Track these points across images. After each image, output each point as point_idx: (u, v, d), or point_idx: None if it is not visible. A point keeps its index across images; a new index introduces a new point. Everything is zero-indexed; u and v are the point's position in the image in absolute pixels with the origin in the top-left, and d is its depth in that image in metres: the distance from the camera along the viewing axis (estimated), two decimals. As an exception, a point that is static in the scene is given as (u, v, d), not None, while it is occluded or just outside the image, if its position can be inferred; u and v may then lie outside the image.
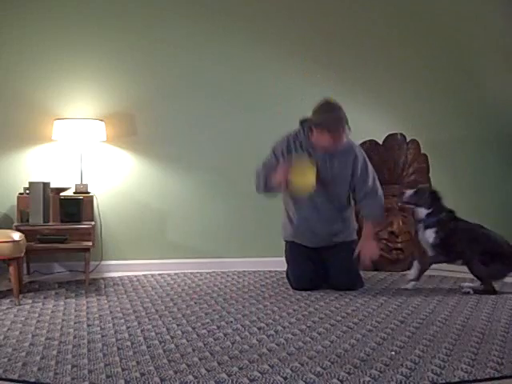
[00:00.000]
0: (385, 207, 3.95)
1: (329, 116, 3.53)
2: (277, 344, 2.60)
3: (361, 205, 3.84)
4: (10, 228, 3.94)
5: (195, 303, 3.43)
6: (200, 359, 2.37)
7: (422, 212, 3.85)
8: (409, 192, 3.92)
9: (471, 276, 3.83)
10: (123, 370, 2.24)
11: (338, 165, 3.70)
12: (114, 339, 2.66)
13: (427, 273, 4.56)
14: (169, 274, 4.44)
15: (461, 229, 3.83)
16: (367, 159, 3.84)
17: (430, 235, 3.81)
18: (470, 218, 5.43)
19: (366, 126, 5.02)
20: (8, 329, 2.85)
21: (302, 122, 3.75)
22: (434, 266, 4.81)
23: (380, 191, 3.82)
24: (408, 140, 4.88)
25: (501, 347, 2.52)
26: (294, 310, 3.26)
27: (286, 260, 3.98)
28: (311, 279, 3.84)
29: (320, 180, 3.59)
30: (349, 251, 3.78)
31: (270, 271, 4.53)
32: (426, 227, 3.82)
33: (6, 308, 3.29)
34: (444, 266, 4.84)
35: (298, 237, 3.86)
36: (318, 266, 3.86)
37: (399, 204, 4.31)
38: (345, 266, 3.77)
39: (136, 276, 4.36)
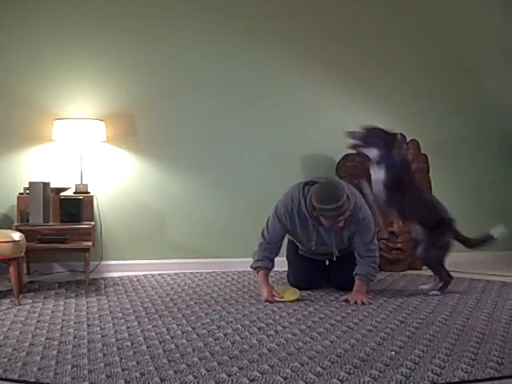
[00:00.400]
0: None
1: (328, 208, 3.30)
2: (277, 344, 2.60)
3: (356, 260, 3.64)
4: (10, 228, 3.94)
5: (195, 303, 3.43)
6: (200, 359, 2.37)
7: (375, 153, 3.77)
8: (360, 131, 3.81)
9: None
10: (123, 370, 2.24)
11: (346, 234, 3.60)
12: (113, 339, 2.66)
13: (427, 273, 4.56)
14: (169, 274, 4.44)
15: (411, 183, 3.83)
16: (371, 220, 3.61)
17: (381, 173, 3.71)
18: (469, 217, 5.45)
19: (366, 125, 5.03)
20: (8, 329, 2.85)
21: (304, 187, 3.53)
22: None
23: (376, 253, 3.62)
24: (408, 140, 4.87)
25: (501, 347, 2.52)
26: (294, 310, 3.26)
27: (287, 259, 3.98)
28: (310, 279, 3.85)
29: (326, 245, 3.62)
30: (352, 252, 3.74)
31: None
32: (379, 166, 3.73)
33: (6, 308, 3.29)
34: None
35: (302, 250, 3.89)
36: (319, 265, 3.86)
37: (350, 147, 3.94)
38: (347, 265, 3.71)
39: (136, 276, 4.36)
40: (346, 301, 3.47)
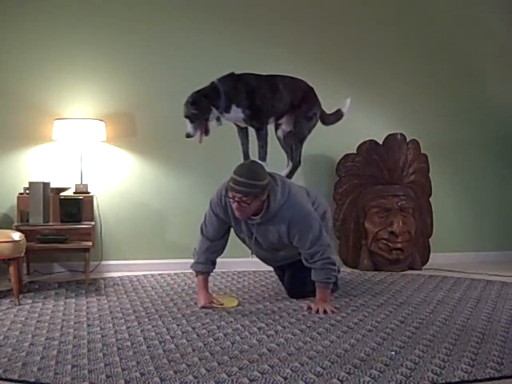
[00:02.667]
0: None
1: (237, 180, 3.04)
2: (277, 344, 2.60)
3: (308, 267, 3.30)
4: (10, 228, 3.94)
5: (195, 303, 3.42)
6: (200, 359, 2.37)
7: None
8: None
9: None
10: (123, 370, 2.24)
11: (268, 233, 3.25)
12: (114, 339, 2.66)
13: (427, 273, 4.57)
14: (169, 274, 4.44)
15: None
16: (311, 222, 3.19)
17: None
18: (469, 217, 5.46)
19: (366, 125, 5.04)
20: (8, 329, 2.85)
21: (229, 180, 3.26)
22: (432, 266, 4.84)
23: (327, 251, 3.21)
24: (408, 140, 4.88)
25: (501, 347, 2.52)
26: (294, 310, 3.26)
27: None
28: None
29: (259, 246, 3.37)
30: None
31: (270, 271, 4.52)
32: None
33: (6, 308, 3.29)
34: (444, 266, 4.86)
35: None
36: (279, 272, 3.77)
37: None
38: (301, 274, 3.43)
39: (136, 276, 4.36)
40: (310, 309, 3.23)
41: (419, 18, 5.22)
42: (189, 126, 3.61)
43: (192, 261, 3.42)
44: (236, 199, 3.08)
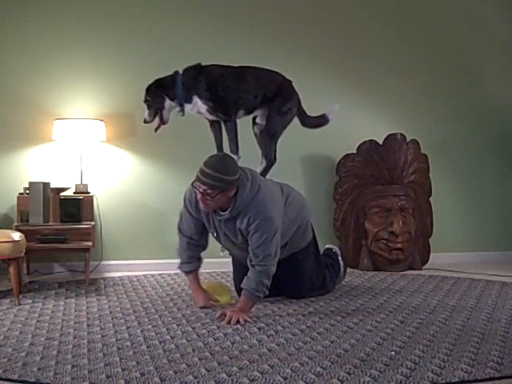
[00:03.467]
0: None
1: (205, 172, 2.94)
2: (277, 344, 2.60)
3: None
4: (10, 228, 3.94)
5: (195, 303, 3.42)
6: (200, 359, 2.37)
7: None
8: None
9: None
10: (123, 370, 2.24)
11: (236, 230, 3.11)
12: (114, 339, 2.66)
13: (427, 273, 4.57)
14: (169, 274, 4.44)
15: None
16: (271, 224, 3.04)
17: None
18: (469, 217, 5.45)
19: (366, 125, 5.04)
20: (8, 329, 2.85)
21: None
22: (432, 266, 4.84)
23: (270, 264, 3.05)
24: (408, 140, 4.88)
25: (501, 347, 2.52)
26: (294, 310, 3.26)
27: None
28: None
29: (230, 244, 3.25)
30: (304, 255, 3.46)
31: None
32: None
33: (6, 308, 3.29)
34: (444, 266, 4.86)
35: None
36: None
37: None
38: (294, 269, 3.42)
39: (136, 276, 4.36)
40: (223, 316, 2.97)
41: (419, 18, 5.22)
42: (146, 112, 3.61)
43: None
44: (201, 190, 2.97)
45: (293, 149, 4.95)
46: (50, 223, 4.14)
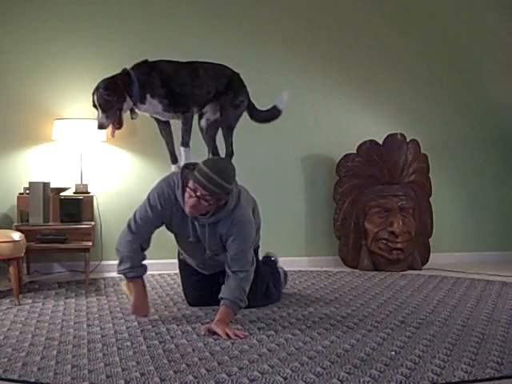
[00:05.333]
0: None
1: (206, 174, 2.78)
2: (277, 344, 2.60)
3: (226, 279, 2.95)
4: (10, 228, 3.94)
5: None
6: (200, 359, 2.37)
7: None
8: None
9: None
10: (123, 370, 2.24)
11: (218, 235, 3.00)
12: (113, 339, 2.66)
13: (427, 273, 4.57)
14: (169, 274, 4.44)
15: None
16: (250, 229, 3.01)
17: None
18: (470, 217, 5.46)
19: (366, 125, 5.04)
20: (8, 329, 2.85)
21: (184, 170, 3.01)
22: (432, 266, 4.84)
23: (250, 271, 2.96)
24: (408, 140, 4.88)
25: (501, 347, 2.52)
26: (294, 310, 3.26)
27: (179, 272, 3.55)
28: (200, 295, 3.35)
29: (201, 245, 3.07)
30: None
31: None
32: None
33: (6, 308, 3.29)
34: (444, 266, 4.86)
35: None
36: (211, 281, 3.28)
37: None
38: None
39: (136, 276, 4.36)
40: (209, 331, 2.76)
41: (419, 17, 5.21)
42: (101, 116, 3.14)
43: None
44: (197, 194, 2.78)
45: (293, 149, 4.96)
46: (50, 223, 4.13)
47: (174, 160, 3.41)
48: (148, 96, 3.23)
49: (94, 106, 3.19)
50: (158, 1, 4.78)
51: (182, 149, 3.29)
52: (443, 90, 5.25)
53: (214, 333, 2.73)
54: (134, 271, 3.00)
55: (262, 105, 5.07)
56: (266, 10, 4.94)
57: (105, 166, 4.67)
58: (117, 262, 3.01)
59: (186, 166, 3.04)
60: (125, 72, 3.25)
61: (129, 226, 3.00)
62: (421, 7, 5.23)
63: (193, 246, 3.08)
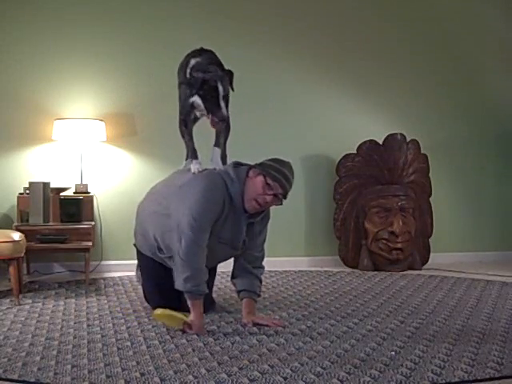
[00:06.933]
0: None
1: (287, 176, 2.84)
2: (277, 344, 2.60)
3: (241, 273, 3.02)
4: (10, 228, 3.94)
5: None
6: (200, 359, 2.37)
7: None
8: None
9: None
10: (123, 370, 2.24)
11: (253, 233, 3.01)
12: (113, 339, 2.66)
13: (427, 273, 4.57)
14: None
15: None
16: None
17: None
18: (469, 217, 5.45)
19: (366, 125, 5.04)
20: (8, 329, 2.85)
21: (236, 166, 2.97)
22: (432, 266, 4.84)
23: (264, 271, 3.11)
24: (408, 140, 4.88)
25: (501, 347, 2.52)
26: (294, 310, 3.26)
27: (142, 274, 3.30)
28: (169, 297, 2.99)
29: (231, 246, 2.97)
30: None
31: (269, 271, 4.52)
32: None
33: (6, 308, 3.29)
34: (443, 265, 4.86)
35: None
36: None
37: None
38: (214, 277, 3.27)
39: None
40: (245, 325, 2.87)
41: (419, 18, 5.22)
42: (223, 106, 3.11)
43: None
44: (274, 191, 2.82)
45: (293, 149, 4.95)
46: (50, 223, 4.13)
47: (195, 156, 3.27)
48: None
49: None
50: (158, 1, 4.78)
51: (215, 149, 3.25)
52: (443, 90, 5.25)
53: (258, 324, 2.87)
54: (197, 287, 2.72)
55: (260, 107, 5.10)
56: (266, 12, 4.94)
57: (105, 165, 4.67)
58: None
59: (239, 163, 2.99)
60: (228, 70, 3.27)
61: (192, 237, 2.70)
62: (421, 8, 5.23)
63: (218, 245, 2.91)
